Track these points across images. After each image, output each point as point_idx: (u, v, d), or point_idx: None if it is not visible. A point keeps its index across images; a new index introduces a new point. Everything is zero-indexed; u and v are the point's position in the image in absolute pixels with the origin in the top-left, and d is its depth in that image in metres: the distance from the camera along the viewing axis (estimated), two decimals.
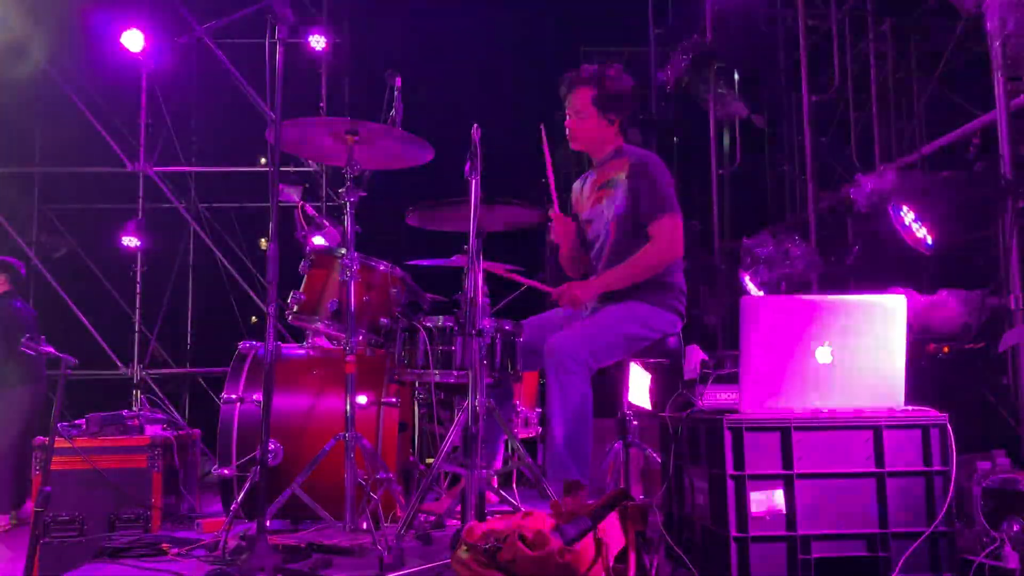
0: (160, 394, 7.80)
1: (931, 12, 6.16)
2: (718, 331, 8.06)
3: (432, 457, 3.42)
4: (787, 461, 2.20)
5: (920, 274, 5.47)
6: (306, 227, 3.23)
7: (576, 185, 3.64)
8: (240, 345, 3.44)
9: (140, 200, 8.30)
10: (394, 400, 3.26)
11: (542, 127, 3.41)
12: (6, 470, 5.48)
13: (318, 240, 3.37)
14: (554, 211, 3.44)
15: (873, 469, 2.22)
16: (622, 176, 3.34)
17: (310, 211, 3.26)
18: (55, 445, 3.01)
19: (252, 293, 8.17)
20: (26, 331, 5.40)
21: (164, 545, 2.73)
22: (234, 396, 3.26)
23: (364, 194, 3.15)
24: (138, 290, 8.25)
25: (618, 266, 3.26)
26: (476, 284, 2.72)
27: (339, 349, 3.40)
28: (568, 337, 3.04)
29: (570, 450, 2.98)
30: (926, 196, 4.77)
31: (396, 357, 3.18)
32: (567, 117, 3.46)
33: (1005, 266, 4.19)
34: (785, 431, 2.22)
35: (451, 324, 3.04)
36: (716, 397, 3.02)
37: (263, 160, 8.83)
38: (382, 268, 3.25)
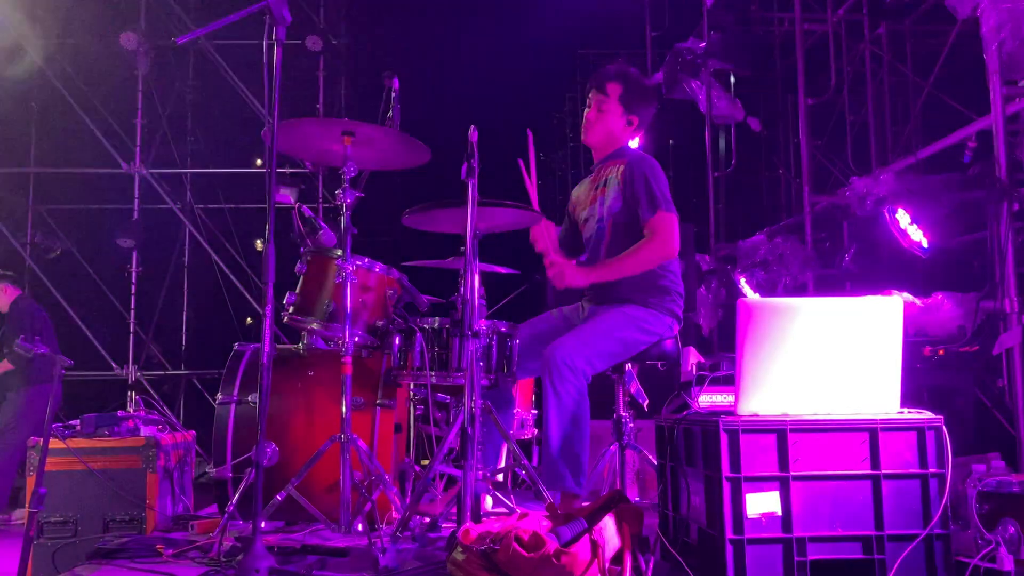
0: (155, 395, 7.78)
1: (927, 16, 6.18)
2: (714, 333, 8.07)
3: (428, 459, 3.41)
4: (783, 463, 2.21)
5: (915, 277, 5.48)
6: (302, 228, 3.21)
7: (576, 188, 3.65)
8: (236, 346, 3.43)
9: (135, 201, 8.28)
10: (390, 402, 3.26)
11: (529, 133, 3.38)
12: (13, 467, 5.50)
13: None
14: (535, 211, 3.41)
15: (869, 471, 2.23)
16: (617, 175, 3.34)
17: (306, 212, 3.24)
18: (49, 445, 3.00)
19: (247, 294, 8.16)
20: (40, 332, 5.45)
21: (159, 546, 2.71)
22: (229, 397, 3.25)
23: (361, 195, 3.14)
24: (133, 291, 8.22)
25: (614, 258, 3.25)
26: (472, 285, 2.72)
27: (335, 350, 3.39)
28: (565, 344, 3.03)
29: (565, 458, 2.98)
30: (922, 199, 4.78)
31: (392, 359, 3.17)
32: (588, 109, 3.46)
33: (1000, 269, 4.20)
34: (781, 433, 2.22)
35: (447, 325, 3.03)
36: (712, 399, 3.03)
37: (259, 161, 8.83)
38: (378, 269, 3.25)
